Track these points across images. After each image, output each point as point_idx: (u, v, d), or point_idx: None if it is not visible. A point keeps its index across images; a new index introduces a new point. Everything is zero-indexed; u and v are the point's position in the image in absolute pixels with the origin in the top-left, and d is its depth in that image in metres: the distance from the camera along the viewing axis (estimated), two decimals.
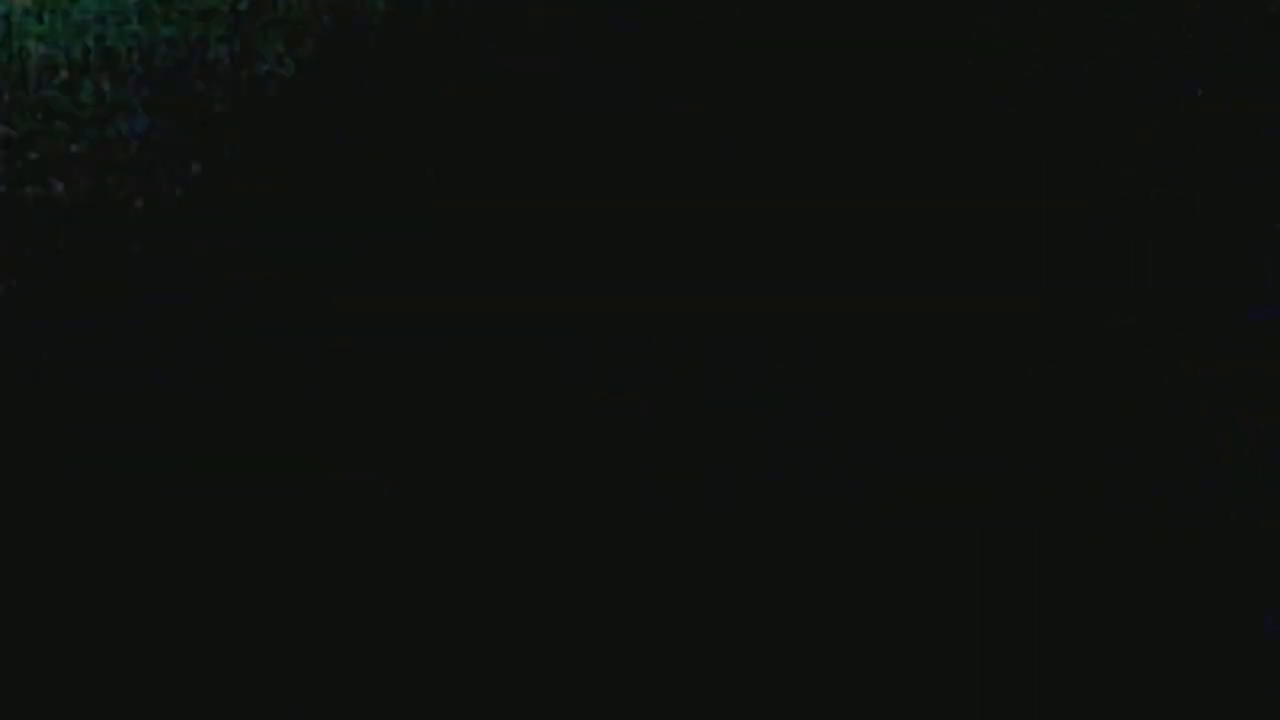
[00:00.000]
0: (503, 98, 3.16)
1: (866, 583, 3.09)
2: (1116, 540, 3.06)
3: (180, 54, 3.12)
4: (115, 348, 3.13)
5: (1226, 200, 3.09)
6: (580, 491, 3.11)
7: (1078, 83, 3.12)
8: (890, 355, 3.12)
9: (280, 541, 3.11)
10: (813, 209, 3.14)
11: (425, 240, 3.15)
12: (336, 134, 3.18)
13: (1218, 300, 3.07)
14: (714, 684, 3.08)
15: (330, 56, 3.18)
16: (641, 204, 3.16)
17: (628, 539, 3.11)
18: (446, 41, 3.17)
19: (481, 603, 3.11)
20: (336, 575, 3.11)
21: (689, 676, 3.08)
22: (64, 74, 3.13)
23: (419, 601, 3.10)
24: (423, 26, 3.15)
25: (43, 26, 3.17)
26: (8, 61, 2.96)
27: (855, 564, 3.09)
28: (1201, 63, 3.11)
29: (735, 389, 3.12)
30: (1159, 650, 3.04)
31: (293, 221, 3.17)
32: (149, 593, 3.10)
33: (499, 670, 3.10)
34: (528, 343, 3.13)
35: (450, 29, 3.16)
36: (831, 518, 3.10)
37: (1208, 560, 3.04)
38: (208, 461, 3.12)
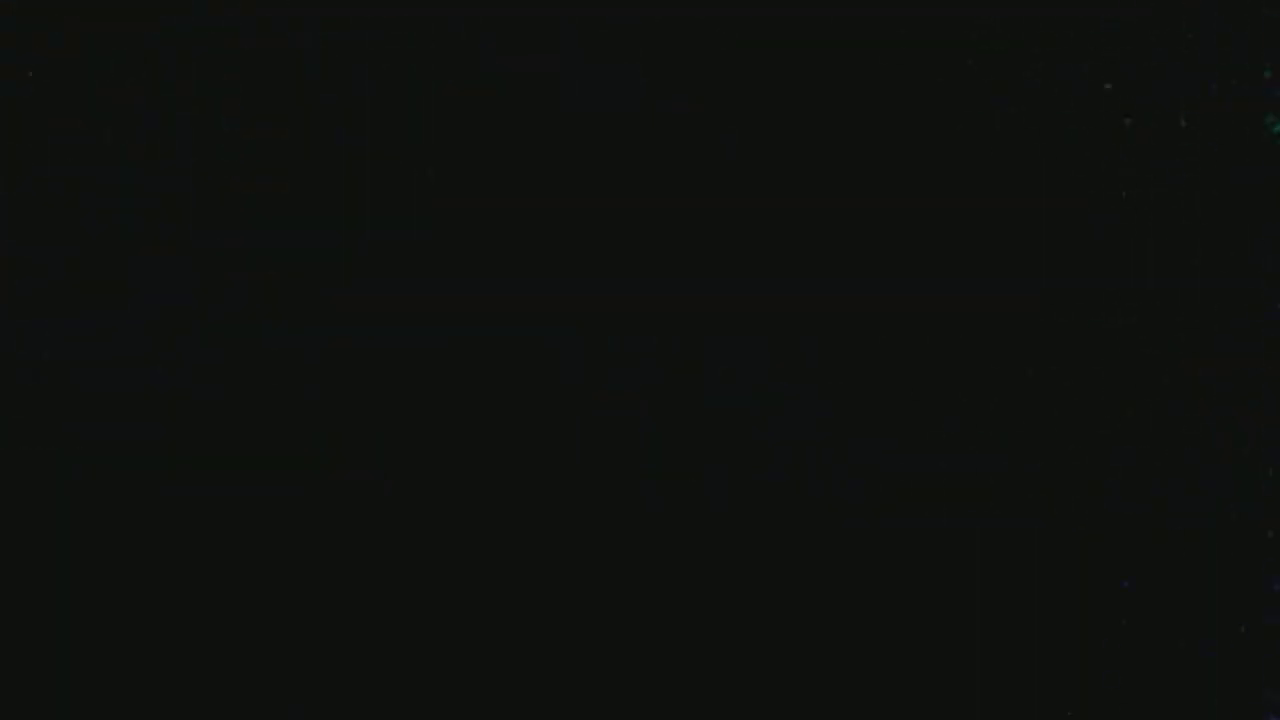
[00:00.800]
0: (503, 98, 3.16)
1: (866, 582, 3.09)
2: (1116, 540, 3.06)
3: None
4: (115, 348, 3.14)
5: (1226, 200, 3.09)
6: (580, 491, 3.11)
7: (1078, 83, 3.12)
8: (890, 355, 3.12)
9: (280, 541, 3.11)
10: (812, 209, 3.15)
11: (425, 240, 3.15)
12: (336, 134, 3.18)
13: (1218, 300, 3.07)
14: (714, 682, 3.08)
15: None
16: (641, 204, 3.16)
17: (627, 539, 3.11)
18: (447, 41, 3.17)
19: (481, 602, 3.11)
20: (336, 575, 3.11)
21: (688, 675, 3.09)
22: None
23: (419, 601, 3.10)
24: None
25: None
26: None
27: (855, 564, 3.09)
28: (1201, 63, 3.11)
29: (735, 389, 3.12)
30: (1159, 648, 3.04)
31: (293, 221, 3.17)
32: (149, 592, 3.10)
33: (498, 669, 3.10)
34: (527, 343, 3.13)
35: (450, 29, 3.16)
36: (831, 518, 3.10)
37: (1208, 560, 3.05)
38: (207, 461, 3.12)
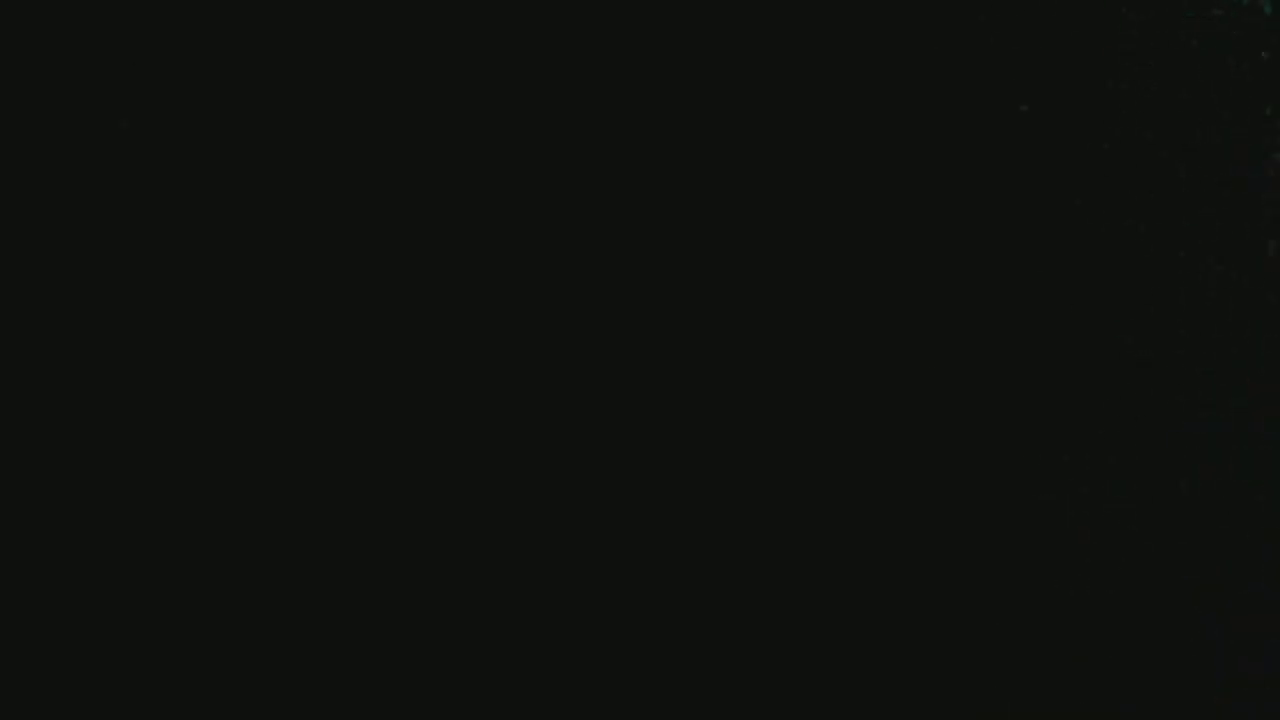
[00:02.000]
0: (502, 97, 3.16)
1: (866, 582, 3.09)
2: (1118, 539, 3.07)
3: None
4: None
5: (1227, 200, 3.10)
6: (579, 490, 3.12)
7: (1077, 82, 3.12)
8: (890, 355, 3.12)
9: (279, 541, 3.11)
10: (813, 208, 3.15)
11: (424, 240, 3.15)
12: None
13: (1217, 299, 3.08)
14: (713, 684, 3.08)
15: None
16: (641, 204, 3.16)
17: (626, 539, 3.11)
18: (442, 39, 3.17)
19: (480, 602, 3.11)
20: (335, 574, 3.11)
21: (686, 676, 3.09)
22: None
23: (419, 601, 3.10)
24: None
25: None
26: None
27: (854, 564, 3.09)
28: (1202, 62, 3.11)
29: (735, 388, 3.12)
30: (1159, 648, 3.04)
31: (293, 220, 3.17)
32: (147, 593, 3.10)
33: (498, 670, 3.10)
34: (526, 342, 3.14)
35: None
36: (832, 517, 3.10)
37: (1208, 559, 3.05)
38: (207, 461, 3.12)
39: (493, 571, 3.10)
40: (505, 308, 3.11)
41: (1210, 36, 3.08)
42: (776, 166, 3.13)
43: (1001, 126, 3.11)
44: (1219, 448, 3.05)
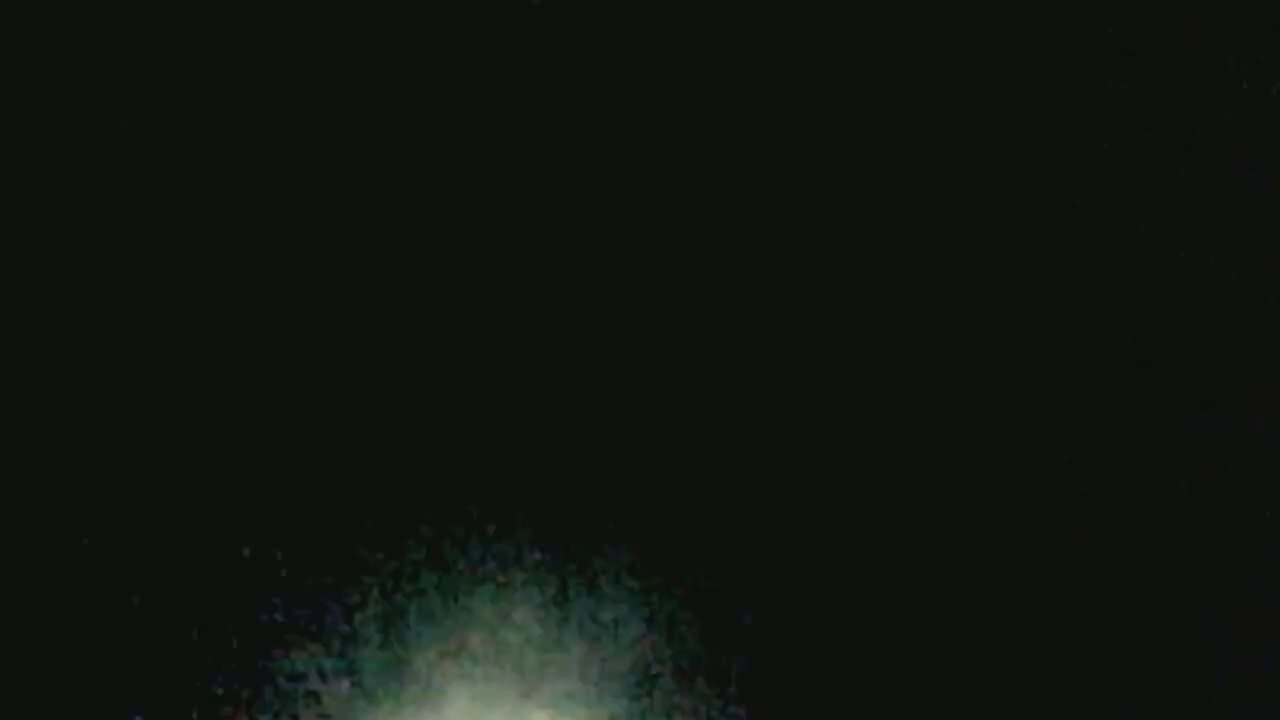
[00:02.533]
0: (501, 97, 3.16)
1: (867, 583, 3.09)
2: (1117, 539, 3.06)
3: None
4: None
5: (1227, 200, 3.09)
6: (576, 488, 3.11)
7: (1078, 85, 3.12)
8: (890, 355, 3.11)
9: (278, 541, 3.11)
10: (812, 207, 3.14)
11: (424, 244, 3.15)
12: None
13: (1217, 299, 3.08)
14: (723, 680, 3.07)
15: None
16: (640, 202, 3.16)
17: (624, 537, 3.11)
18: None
19: (479, 600, 3.11)
20: (335, 574, 3.11)
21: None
22: None
23: (421, 600, 3.10)
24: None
25: None
26: None
27: (855, 564, 3.09)
28: (1202, 61, 3.11)
29: (732, 384, 3.12)
30: (1159, 648, 3.04)
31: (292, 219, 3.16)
32: (145, 593, 3.10)
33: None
34: (525, 341, 3.13)
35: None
36: (831, 516, 3.10)
37: (1208, 559, 3.05)
38: (206, 461, 3.11)
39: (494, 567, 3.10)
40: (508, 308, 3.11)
41: (1210, 36, 3.08)
42: (774, 167, 3.12)
43: (1001, 126, 3.11)
44: (1219, 448, 3.04)
